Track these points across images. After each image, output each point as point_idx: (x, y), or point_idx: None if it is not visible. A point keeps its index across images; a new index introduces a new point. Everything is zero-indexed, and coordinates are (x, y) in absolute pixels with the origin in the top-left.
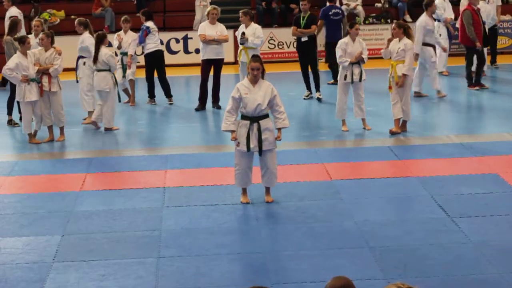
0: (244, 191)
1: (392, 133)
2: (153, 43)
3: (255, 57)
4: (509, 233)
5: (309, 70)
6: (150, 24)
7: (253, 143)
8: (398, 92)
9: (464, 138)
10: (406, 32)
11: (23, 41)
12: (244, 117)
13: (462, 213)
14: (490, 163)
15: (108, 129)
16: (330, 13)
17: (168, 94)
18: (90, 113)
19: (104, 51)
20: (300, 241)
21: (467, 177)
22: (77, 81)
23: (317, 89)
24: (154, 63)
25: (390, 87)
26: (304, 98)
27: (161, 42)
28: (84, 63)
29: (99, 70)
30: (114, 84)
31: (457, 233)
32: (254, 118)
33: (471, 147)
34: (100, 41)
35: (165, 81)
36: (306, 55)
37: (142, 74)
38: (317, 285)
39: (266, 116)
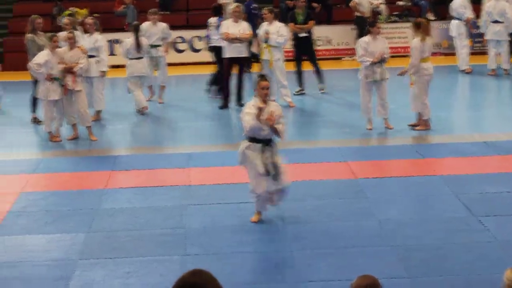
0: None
1: (412, 127)
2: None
3: (264, 76)
4: None
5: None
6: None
7: (268, 168)
8: (416, 89)
9: (488, 136)
10: (420, 30)
11: (51, 39)
12: (252, 139)
13: (486, 212)
14: None
15: (141, 111)
16: (251, 7)
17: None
18: (99, 112)
19: (144, 39)
20: (323, 239)
21: (491, 176)
22: (90, 81)
23: (320, 82)
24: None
25: (412, 83)
26: (295, 94)
27: (184, 40)
28: (97, 62)
29: (139, 58)
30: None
31: (480, 232)
32: (265, 141)
33: (495, 145)
34: (138, 30)
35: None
36: (305, 50)
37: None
38: (342, 284)
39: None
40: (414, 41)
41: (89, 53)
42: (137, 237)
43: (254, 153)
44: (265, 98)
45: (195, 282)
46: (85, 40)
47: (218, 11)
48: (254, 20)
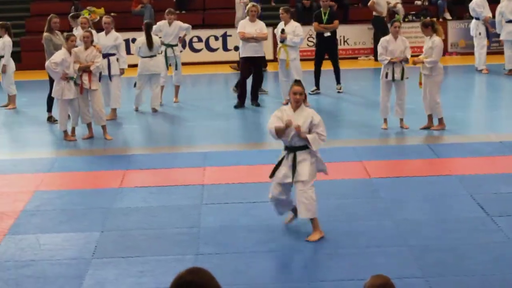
0: (314, 223)
1: (423, 128)
2: None
3: (298, 82)
4: None
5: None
6: None
7: (282, 173)
8: (426, 89)
9: (504, 136)
10: (434, 28)
11: (67, 38)
12: (284, 147)
13: (502, 212)
14: None
15: (155, 110)
16: None
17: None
18: (115, 110)
19: (155, 37)
20: (338, 239)
21: (506, 176)
22: (110, 79)
23: (338, 82)
24: None
25: (420, 83)
26: (310, 93)
27: (200, 40)
28: (117, 60)
29: (152, 56)
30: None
31: (496, 232)
32: (292, 148)
33: (511, 145)
34: (150, 29)
35: None
36: (329, 50)
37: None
38: (355, 283)
39: (305, 147)
40: (438, 40)
41: (109, 51)
42: (151, 236)
43: (279, 158)
44: (297, 104)
45: (192, 280)
46: (105, 39)
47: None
48: None
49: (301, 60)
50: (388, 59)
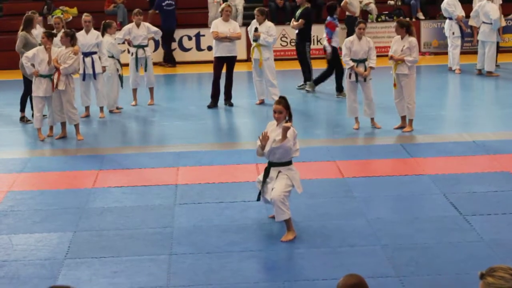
0: (288, 224)
1: (397, 128)
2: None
3: (279, 99)
4: None
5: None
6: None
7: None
8: (401, 90)
9: (477, 136)
10: (409, 30)
11: (49, 35)
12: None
13: (475, 211)
14: (503, 161)
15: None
16: (163, 4)
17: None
18: (101, 108)
19: (106, 38)
20: (312, 239)
21: (479, 175)
22: (95, 77)
23: (305, 81)
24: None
25: (395, 85)
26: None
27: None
28: (100, 58)
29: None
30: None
31: (469, 232)
32: (272, 164)
33: (484, 145)
34: (104, 30)
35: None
36: (296, 46)
37: None
38: (329, 283)
39: (286, 164)
40: (414, 39)
41: (92, 50)
42: (125, 236)
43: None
44: (277, 121)
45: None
46: (86, 37)
47: (332, 10)
48: (167, 15)
49: (275, 59)
50: (350, 63)
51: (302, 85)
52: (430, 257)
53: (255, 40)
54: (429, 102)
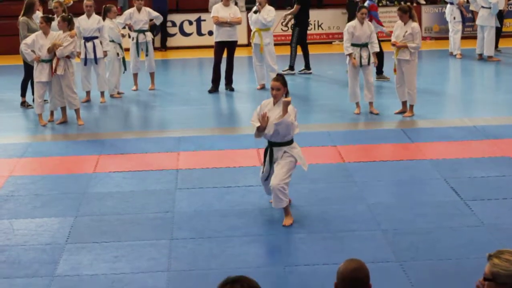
0: (286, 210)
1: (398, 113)
2: None
3: (277, 77)
4: None
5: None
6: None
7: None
8: (402, 75)
9: (477, 121)
10: (411, 15)
11: (47, 20)
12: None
13: (475, 196)
14: (503, 146)
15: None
16: None
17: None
18: (102, 93)
19: (107, 22)
20: (312, 223)
21: (480, 160)
22: (96, 62)
23: (306, 67)
24: None
25: (395, 70)
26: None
27: (174, 24)
28: (101, 43)
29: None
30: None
31: (469, 216)
32: (274, 144)
33: (484, 130)
34: (105, 14)
35: None
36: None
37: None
38: (329, 268)
39: (289, 143)
40: (417, 25)
41: (93, 34)
42: (125, 221)
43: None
44: (274, 99)
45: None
46: (87, 22)
47: None
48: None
49: (275, 44)
50: (349, 50)
51: (303, 69)
52: (431, 242)
53: (255, 12)
54: (430, 87)
